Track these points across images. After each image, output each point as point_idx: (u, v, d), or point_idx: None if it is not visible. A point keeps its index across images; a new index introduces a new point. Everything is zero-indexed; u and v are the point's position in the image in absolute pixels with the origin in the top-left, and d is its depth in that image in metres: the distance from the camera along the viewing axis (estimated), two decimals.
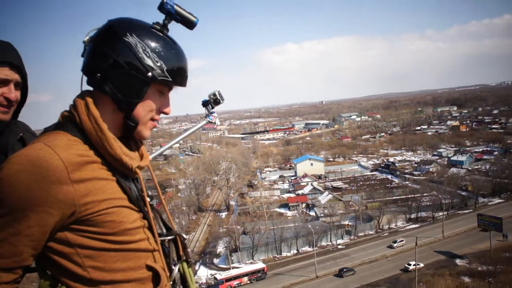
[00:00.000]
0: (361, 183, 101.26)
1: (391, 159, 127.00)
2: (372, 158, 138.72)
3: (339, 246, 64.94)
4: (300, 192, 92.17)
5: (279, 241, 64.08)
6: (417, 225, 70.51)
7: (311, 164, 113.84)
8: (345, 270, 54.73)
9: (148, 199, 1.67)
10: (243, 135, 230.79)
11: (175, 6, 1.57)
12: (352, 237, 68.19)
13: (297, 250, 64.89)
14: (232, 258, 61.11)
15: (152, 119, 1.61)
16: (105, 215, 1.41)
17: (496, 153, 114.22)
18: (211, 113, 2.72)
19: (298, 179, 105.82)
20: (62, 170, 1.30)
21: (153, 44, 1.50)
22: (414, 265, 50.73)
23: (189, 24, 1.62)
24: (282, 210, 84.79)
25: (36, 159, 1.28)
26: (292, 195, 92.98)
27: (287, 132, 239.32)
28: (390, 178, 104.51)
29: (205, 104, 2.62)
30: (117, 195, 1.48)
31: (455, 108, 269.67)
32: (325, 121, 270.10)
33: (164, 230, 1.80)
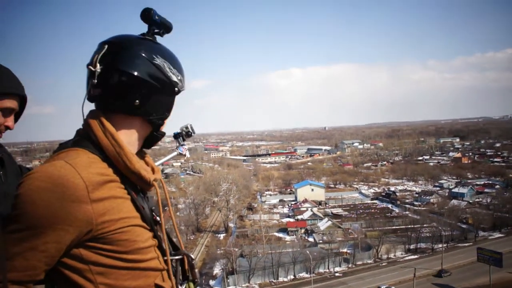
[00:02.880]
0: (361, 211, 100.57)
1: (392, 188, 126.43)
2: (373, 186, 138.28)
3: (337, 274, 64.36)
4: (299, 217, 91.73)
5: (276, 266, 63.53)
6: (416, 256, 69.89)
7: (312, 190, 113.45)
8: (444, 271, 59.80)
9: (158, 218, 1.69)
10: (245, 157, 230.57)
11: (159, 16, 1.64)
12: (350, 265, 67.60)
13: (294, 275, 64.31)
14: (228, 280, 60.62)
15: None
16: (120, 233, 1.44)
17: (497, 186, 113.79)
18: (182, 145, 2.72)
19: (298, 204, 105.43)
20: (83, 190, 1.32)
21: (171, 60, 1.63)
22: None
23: (169, 31, 1.70)
24: (280, 235, 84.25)
25: (58, 177, 1.30)
26: (291, 220, 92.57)
27: (289, 156, 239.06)
28: (391, 208, 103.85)
29: (176, 136, 2.62)
30: (132, 214, 1.51)
31: (457, 140, 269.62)
32: (328, 147, 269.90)
33: (171, 250, 1.81)
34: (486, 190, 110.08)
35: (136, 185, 1.60)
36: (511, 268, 57.29)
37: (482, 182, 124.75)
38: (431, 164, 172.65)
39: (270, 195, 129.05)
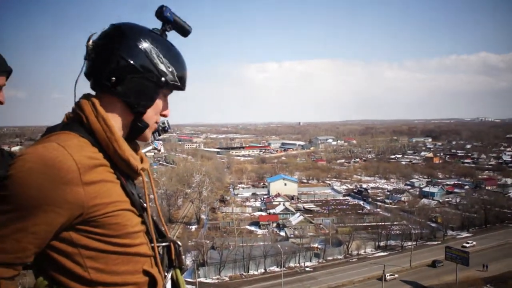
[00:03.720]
0: (333, 207, 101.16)
1: (364, 185, 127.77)
2: (346, 182, 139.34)
3: (307, 269, 64.73)
4: (271, 211, 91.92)
5: (247, 259, 63.60)
6: (385, 253, 70.72)
7: (285, 184, 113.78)
8: (438, 262, 62.72)
9: (145, 204, 1.68)
10: (219, 150, 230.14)
11: (173, 15, 1.63)
12: (320, 260, 68.05)
13: (265, 269, 64.46)
14: (199, 272, 60.43)
15: (156, 122, 1.70)
16: (111, 217, 1.42)
17: (467, 187, 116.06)
18: (157, 140, 2.61)
19: (270, 198, 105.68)
20: (75, 172, 1.30)
21: (164, 51, 1.58)
22: None
23: (184, 32, 1.69)
24: (252, 228, 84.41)
25: (50, 159, 1.28)
26: (263, 213, 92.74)
27: (263, 150, 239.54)
28: (362, 204, 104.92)
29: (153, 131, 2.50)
30: (122, 198, 1.49)
31: (429, 140, 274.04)
32: (302, 142, 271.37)
33: (158, 236, 1.79)
34: (455, 190, 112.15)
35: (124, 171, 1.57)
36: (478, 267, 58.68)
37: (452, 182, 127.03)
38: (403, 163, 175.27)
39: (243, 188, 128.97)
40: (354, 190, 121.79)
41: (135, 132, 1.65)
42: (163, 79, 1.58)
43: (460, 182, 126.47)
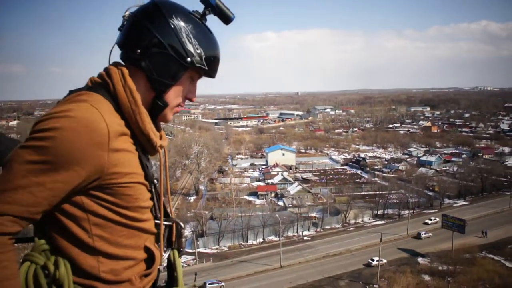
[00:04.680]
0: (330, 176, 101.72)
1: (362, 155, 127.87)
2: (344, 152, 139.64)
3: (305, 238, 65.38)
4: (270, 181, 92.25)
5: (246, 229, 64.18)
6: (383, 222, 71.33)
7: (283, 154, 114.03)
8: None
9: (156, 180, 1.66)
10: (216, 120, 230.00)
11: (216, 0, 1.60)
12: (318, 230, 68.70)
13: (263, 239, 65.09)
14: (198, 243, 60.97)
15: (178, 104, 1.65)
16: (126, 188, 1.42)
17: (464, 156, 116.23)
18: None
19: (269, 168, 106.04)
20: (105, 135, 1.30)
21: (195, 31, 1.54)
22: (377, 260, 51.40)
23: (226, 19, 1.64)
24: (251, 198, 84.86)
25: (83, 118, 1.27)
26: (262, 183, 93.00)
27: (261, 121, 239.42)
28: (360, 174, 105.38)
29: None
30: (138, 171, 1.49)
31: (428, 109, 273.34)
32: (300, 112, 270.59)
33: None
34: (453, 159, 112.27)
35: (143, 145, 1.55)
36: (474, 234, 59.35)
37: (450, 151, 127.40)
38: (401, 132, 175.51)
39: (241, 158, 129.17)
40: (352, 160, 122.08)
41: (155, 110, 1.59)
42: (188, 59, 1.52)
43: (457, 151, 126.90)
